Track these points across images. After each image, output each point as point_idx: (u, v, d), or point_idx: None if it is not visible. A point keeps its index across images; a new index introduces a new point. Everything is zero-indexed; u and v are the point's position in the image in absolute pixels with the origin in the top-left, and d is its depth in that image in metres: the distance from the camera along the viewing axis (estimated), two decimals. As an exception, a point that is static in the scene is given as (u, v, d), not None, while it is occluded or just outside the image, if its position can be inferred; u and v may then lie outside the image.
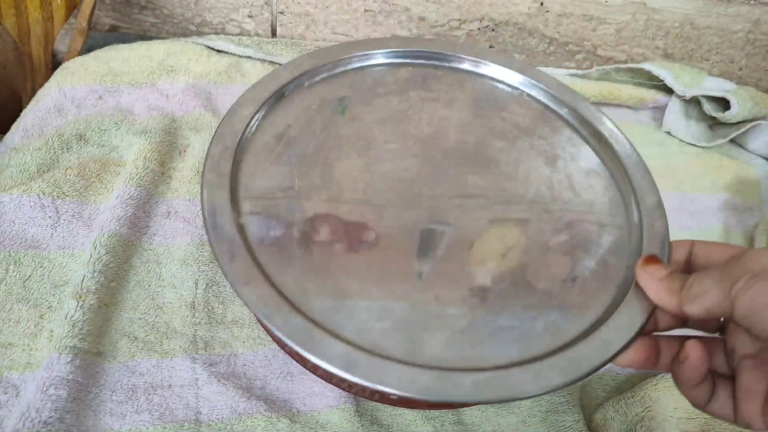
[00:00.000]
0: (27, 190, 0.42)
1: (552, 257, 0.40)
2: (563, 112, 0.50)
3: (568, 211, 0.43)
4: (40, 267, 0.40)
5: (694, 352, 0.29)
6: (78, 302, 0.37)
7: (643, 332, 0.34)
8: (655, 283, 0.32)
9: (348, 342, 0.34)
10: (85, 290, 0.38)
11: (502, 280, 0.38)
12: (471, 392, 0.32)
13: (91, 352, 0.37)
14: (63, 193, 0.43)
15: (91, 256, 0.40)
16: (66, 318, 0.37)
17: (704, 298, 0.28)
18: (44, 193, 0.42)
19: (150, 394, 0.36)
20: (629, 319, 0.36)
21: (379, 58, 0.51)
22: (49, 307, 0.38)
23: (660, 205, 0.43)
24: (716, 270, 0.28)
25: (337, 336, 0.34)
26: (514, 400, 0.33)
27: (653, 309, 0.35)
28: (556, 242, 0.41)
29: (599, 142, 0.48)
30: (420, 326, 0.36)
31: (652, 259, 0.34)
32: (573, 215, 0.43)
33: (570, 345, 0.35)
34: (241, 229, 0.38)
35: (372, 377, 0.32)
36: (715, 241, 0.32)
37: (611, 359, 0.34)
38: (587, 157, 0.47)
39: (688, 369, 0.29)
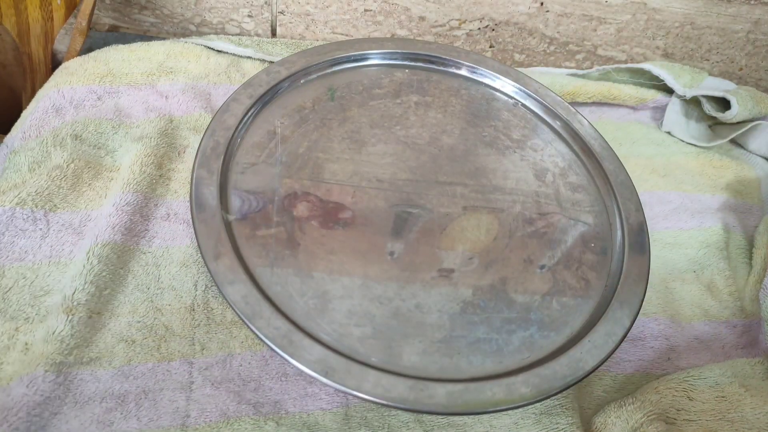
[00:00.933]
0: (21, 203, 0.41)
1: (533, 272, 0.41)
2: (556, 125, 0.50)
3: (553, 227, 0.43)
4: (22, 278, 0.39)
5: None
6: (68, 316, 0.37)
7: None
8: None
9: (327, 346, 0.34)
10: (75, 303, 0.37)
11: (483, 292, 0.39)
12: (444, 403, 0.32)
13: (81, 363, 0.36)
14: (55, 206, 0.42)
15: (84, 267, 0.39)
16: (54, 334, 0.36)
17: None
18: (37, 207, 0.42)
19: (141, 399, 0.36)
20: (604, 338, 0.36)
21: (375, 58, 0.51)
22: (26, 319, 0.37)
23: (643, 226, 0.44)
24: None
25: (316, 339, 0.34)
26: (485, 413, 0.33)
27: (629, 328, 0.36)
28: (538, 257, 0.41)
29: (590, 158, 0.48)
30: (399, 333, 0.36)
31: None
32: (557, 231, 0.43)
33: (544, 361, 0.35)
34: (228, 226, 0.38)
35: (348, 383, 0.32)
36: None
37: (583, 378, 0.34)
38: (576, 173, 0.47)
39: None
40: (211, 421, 0.36)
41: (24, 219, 0.41)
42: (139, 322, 0.39)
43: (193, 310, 0.40)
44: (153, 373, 0.37)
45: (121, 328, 0.39)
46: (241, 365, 0.38)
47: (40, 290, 0.39)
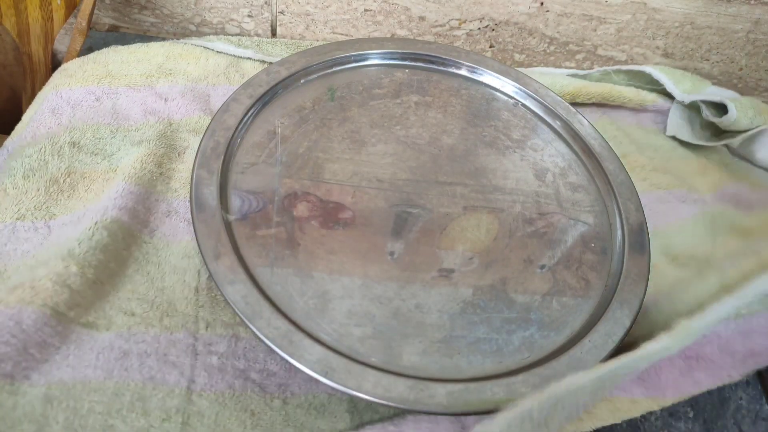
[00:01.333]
0: (20, 217, 0.41)
1: (533, 272, 0.41)
2: (556, 125, 0.50)
3: (553, 226, 0.43)
4: (25, 265, 0.39)
5: None
6: (78, 269, 0.36)
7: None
8: None
9: (327, 346, 0.34)
10: (86, 263, 0.37)
11: (483, 292, 0.39)
12: (445, 403, 0.32)
13: (80, 323, 0.35)
14: (53, 215, 0.42)
15: (93, 233, 0.38)
16: (62, 280, 0.35)
17: None
18: (36, 219, 0.41)
19: (144, 358, 0.35)
20: (604, 338, 0.36)
21: (375, 58, 0.51)
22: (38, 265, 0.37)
23: (643, 226, 0.44)
24: None
25: (316, 339, 0.34)
26: (485, 413, 0.33)
27: (629, 328, 0.35)
28: (538, 257, 0.41)
29: (590, 158, 0.48)
30: (399, 333, 0.36)
31: None
32: (557, 231, 0.43)
33: (544, 361, 0.35)
34: (228, 226, 0.38)
35: (349, 383, 0.32)
36: None
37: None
38: (576, 173, 0.47)
39: None
40: (216, 390, 0.35)
41: (25, 230, 0.41)
42: (140, 298, 0.38)
43: (198, 292, 0.39)
44: (156, 340, 0.36)
45: (120, 302, 0.38)
46: (246, 347, 0.38)
47: (47, 259, 0.38)
